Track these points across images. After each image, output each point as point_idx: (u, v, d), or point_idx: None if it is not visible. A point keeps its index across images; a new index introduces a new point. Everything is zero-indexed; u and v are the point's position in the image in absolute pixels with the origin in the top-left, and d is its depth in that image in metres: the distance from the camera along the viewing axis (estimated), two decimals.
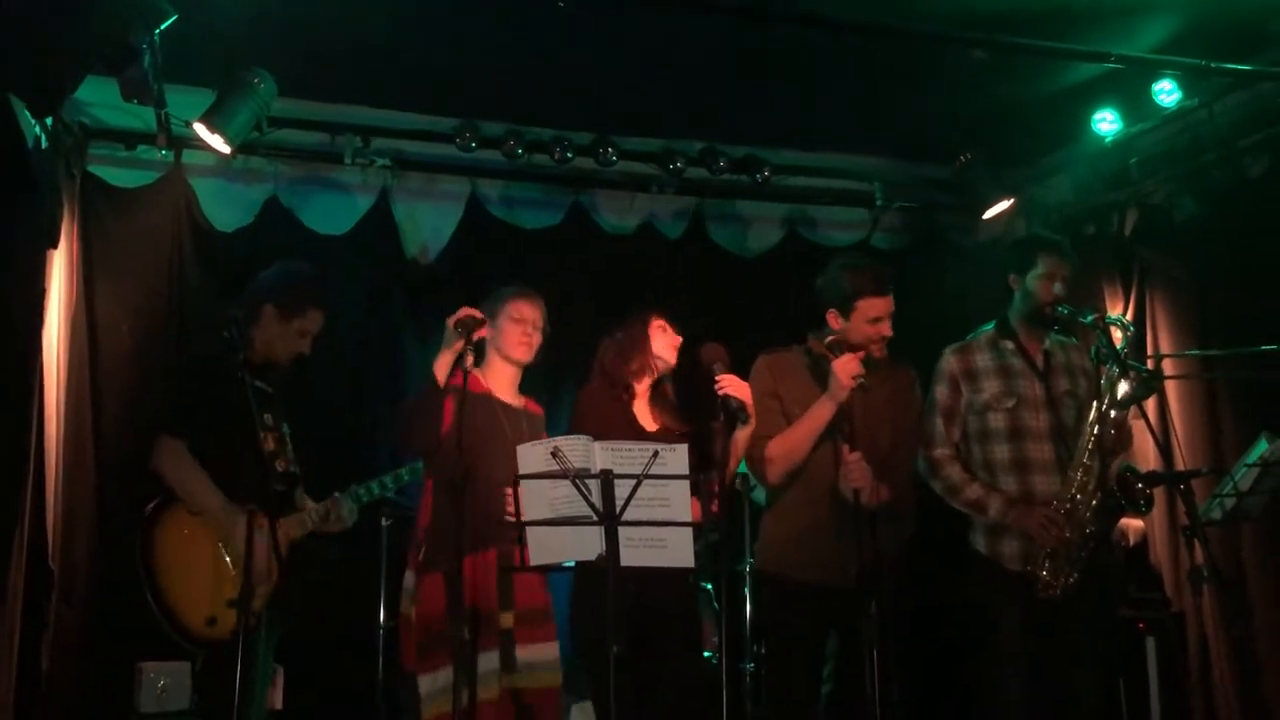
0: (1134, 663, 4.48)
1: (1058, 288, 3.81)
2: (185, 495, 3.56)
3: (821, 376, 3.69)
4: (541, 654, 3.59)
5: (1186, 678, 4.70)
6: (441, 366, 3.61)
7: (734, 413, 3.39)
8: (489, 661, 3.48)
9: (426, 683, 3.51)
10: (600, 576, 2.98)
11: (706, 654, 4.27)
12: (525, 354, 3.79)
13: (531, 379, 3.99)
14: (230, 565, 3.49)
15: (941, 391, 3.92)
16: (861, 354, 3.63)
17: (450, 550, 3.47)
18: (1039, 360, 3.87)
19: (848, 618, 3.47)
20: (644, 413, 3.73)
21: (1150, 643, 4.54)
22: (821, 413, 3.61)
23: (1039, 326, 3.88)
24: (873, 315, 3.70)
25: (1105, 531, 3.70)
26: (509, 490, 3.43)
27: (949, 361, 3.94)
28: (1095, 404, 3.67)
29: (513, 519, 3.35)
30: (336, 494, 3.83)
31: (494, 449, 3.57)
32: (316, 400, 4.93)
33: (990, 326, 3.99)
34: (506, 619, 3.54)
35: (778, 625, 3.77)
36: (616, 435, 3.46)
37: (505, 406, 3.75)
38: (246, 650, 3.27)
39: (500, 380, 3.82)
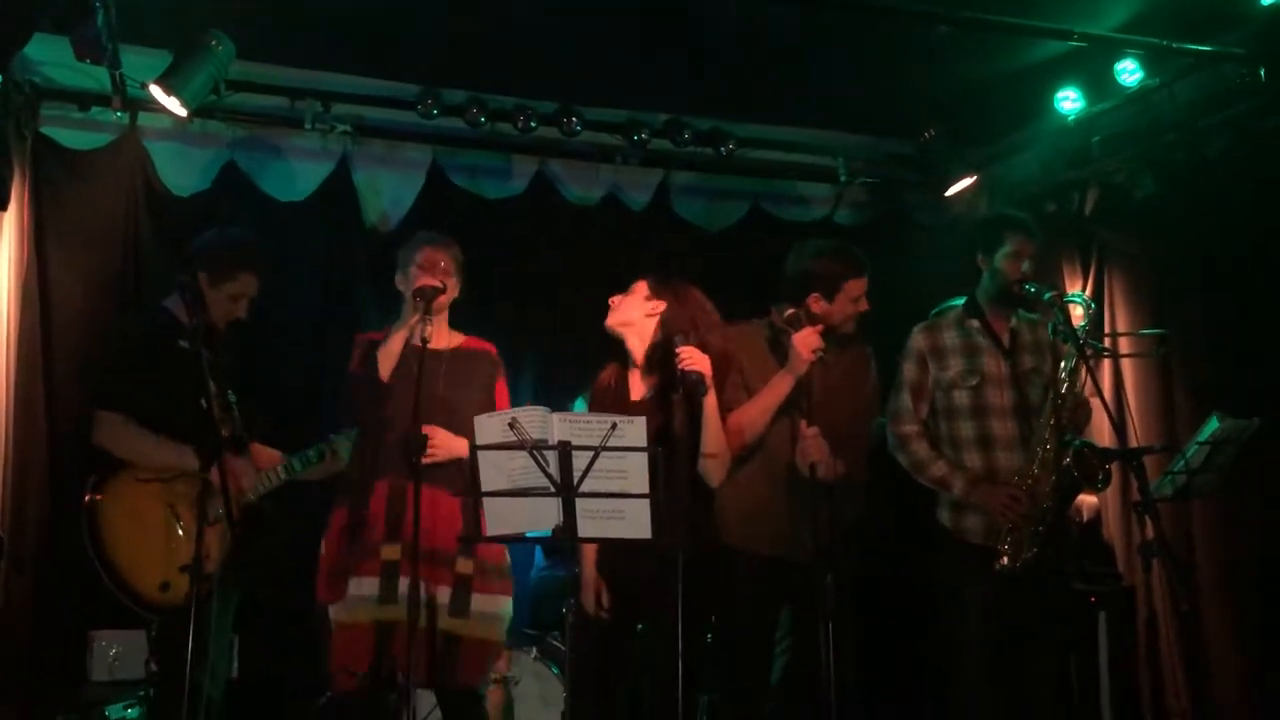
0: (1085, 636, 4.54)
1: (1025, 266, 3.85)
2: (134, 459, 3.53)
3: (781, 350, 3.71)
4: (491, 606, 3.61)
5: (1135, 651, 4.78)
6: (396, 338, 3.59)
7: (693, 386, 3.39)
8: (367, 587, 3.52)
9: (335, 610, 3.59)
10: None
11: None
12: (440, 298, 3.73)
13: (489, 337, 4.00)
14: (181, 531, 3.47)
15: (909, 369, 3.95)
16: (821, 328, 3.66)
17: (353, 482, 3.63)
18: (1005, 338, 3.91)
19: (803, 591, 3.50)
20: (636, 381, 3.68)
21: (1101, 617, 4.62)
22: (781, 386, 3.65)
23: (1006, 305, 3.92)
24: (856, 294, 3.83)
25: (1062, 508, 3.75)
26: (432, 436, 3.55)
27: (917, 339, 3.98)
28: (1055, 382, 3.71)
29: (432, 459, 3.49)
30: (331, 435, 3.80)
31: (399, 393, 3.59)
32: (274, 366, 4.90)
33: (959, 302, 4.02)
34: (391, 550, 3.55)
35: (732, 598, 3.77)
36: (608, 401, 3.55)
37: (427, 352, 3.61)
38: (199, 612, 3.25)
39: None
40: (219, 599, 3.53)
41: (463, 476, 3.52)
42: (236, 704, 4.30)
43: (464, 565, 3.60)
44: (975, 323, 3.92)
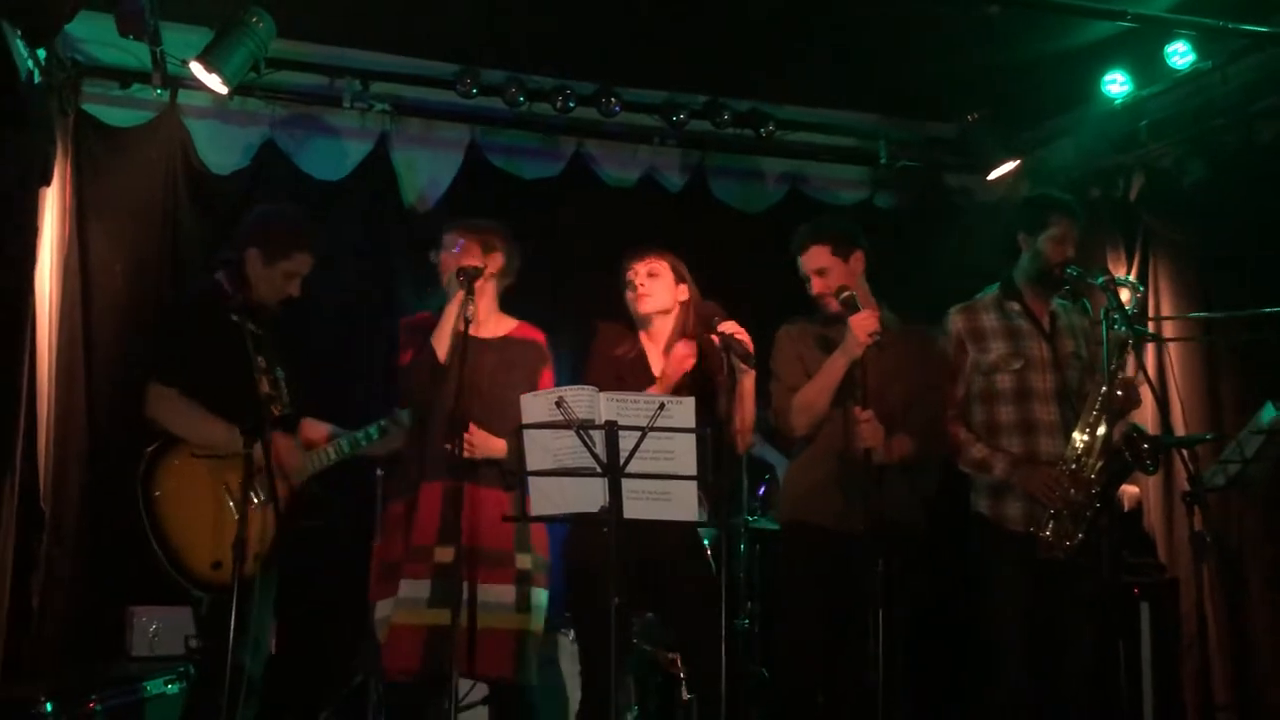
0: (1128, 627, 4.48)
1: (1068, 249, 3.78)
2: (187, 434, 3.50)
3: (829, 345, 3.68)
4: (494, 595, 3.54)
5: (1179, 643, 4.71)
6: (446, 320, 3.53)
7: (741, 355, 3.35)
8: (500, 595, 3.48)
9: (380, 608, 3.55)
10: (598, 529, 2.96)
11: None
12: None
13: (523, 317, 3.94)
14: (233, 508, 3.43)
15: (947, 351, 3.88)
16: (877, 312, 3.59)
17: (409, 480, 3.55)
18: (1045, 321, 3.85)
19: (855, 570, 3.48)
20: (656, 358, 3.65)
21: (1145, 608, 4.55)
22: (837, 366, 3.61)
23: (1046, 287, 3.85)
24: (814, 266, 3.72)
25: (1110, 492, 3.69)
26: (469, 432, 3.49)
27: (954, 321, 3.91)
28: (1105, 365, 3.64)
29: (468, 456, 3.44)
30: (396, 410, 3.74)
31: (448, 386, 3.53)
32: (312, 346, 4.89)
33: (995, 288, 3.95)
34: (445, 553, 3.47)
35: (794, 570, 3.73)
36: (625, 372, 3.50)
37: (471, 340, 3.57)
38: (244, 592, 3.25)
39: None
40: (263, 578, 3.50)
41: (504, 475, 3.49)
42: (272, 681, 4.34)
43: (523, 561, 3.54)
44: (1015, 305, 3.85)
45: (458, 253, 3.66)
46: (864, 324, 3.50)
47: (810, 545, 3.64)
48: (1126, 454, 3.57)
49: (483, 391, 3.57)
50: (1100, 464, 3.60)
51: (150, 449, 3.50)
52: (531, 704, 3.64)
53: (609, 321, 3.74)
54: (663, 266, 3.67)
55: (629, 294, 3.69)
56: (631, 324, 3.72)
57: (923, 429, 3.67)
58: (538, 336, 3.80)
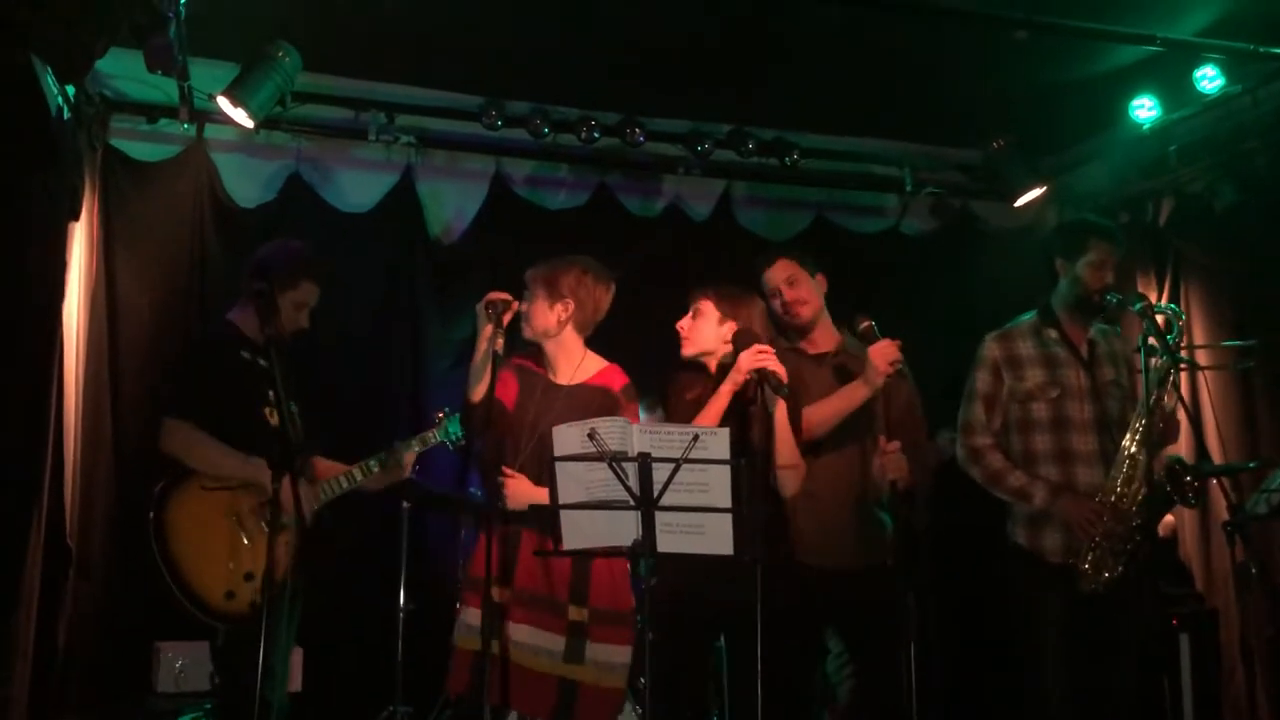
0: (1169, 659, 4.40)
1: (1108, 276, 3.72)
2: (204, 466, 3.50)
3: (845, 375, 3.67)
4: (540, 640, 3.45)
5: (1219, 675, 4.62)
6: (476, 355, 3.47)
7: (774, 385, 3.31)
8: (546, 641, 3.40)
9: (463, 615, 3.47)
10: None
11: None
12: (525, 330, 3.59)
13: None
14: (245, 538, 3.45)
15: (983, 378, 3.82)
16: (899, 341, 3.55)
17: (487, 521, 3.49)
18: (1083, 349, 3.78)
19: (854, 604, 3.48)
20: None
21: (1184, 639, 4.46)
22: (855, 394, 3.58)
23: (1085, 314, 3.78)
24: (782, 276, 3.82)
25: (1152, 525, 3.62)
26: (504, 475, 3.42)
27: (990, 348, 3.85)
28: (1145, 394, 3.58)
29: (509, 506, 3.37)
30: (395, 443, 3.78)
31: (519, 429, 3.49)
32: (337, 378, 4.89)
33: (1030, 315, 3.89)
34: (502, 594, 3.40)
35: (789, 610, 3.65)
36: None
37: (549, 385, 3.55)
38: (267, 622, 3.22)
39: (544, 358, 3.63)
40: (286, 608, 3.50)
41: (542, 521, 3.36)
42: (300, 716, 4.30)
43: (576, 613, 3.42)
44: (1053, 333, 3.79)
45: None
46: (885, 353, 3.47)
47: (798, 585, 3.52)
48: (1168, 487, 3.50)
49: (529, 431, 3.48)
50: (1141, 495, 3.53)
51: (159, 485, 3.49)
52: None
53: (686, 371, 3.67)
54: (706, 307, 3.61)
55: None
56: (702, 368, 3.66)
57: (911, 454, 3.59)
58: (613, 383, 3.58)
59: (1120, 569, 3.56)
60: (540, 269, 3.61)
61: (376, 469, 3.74)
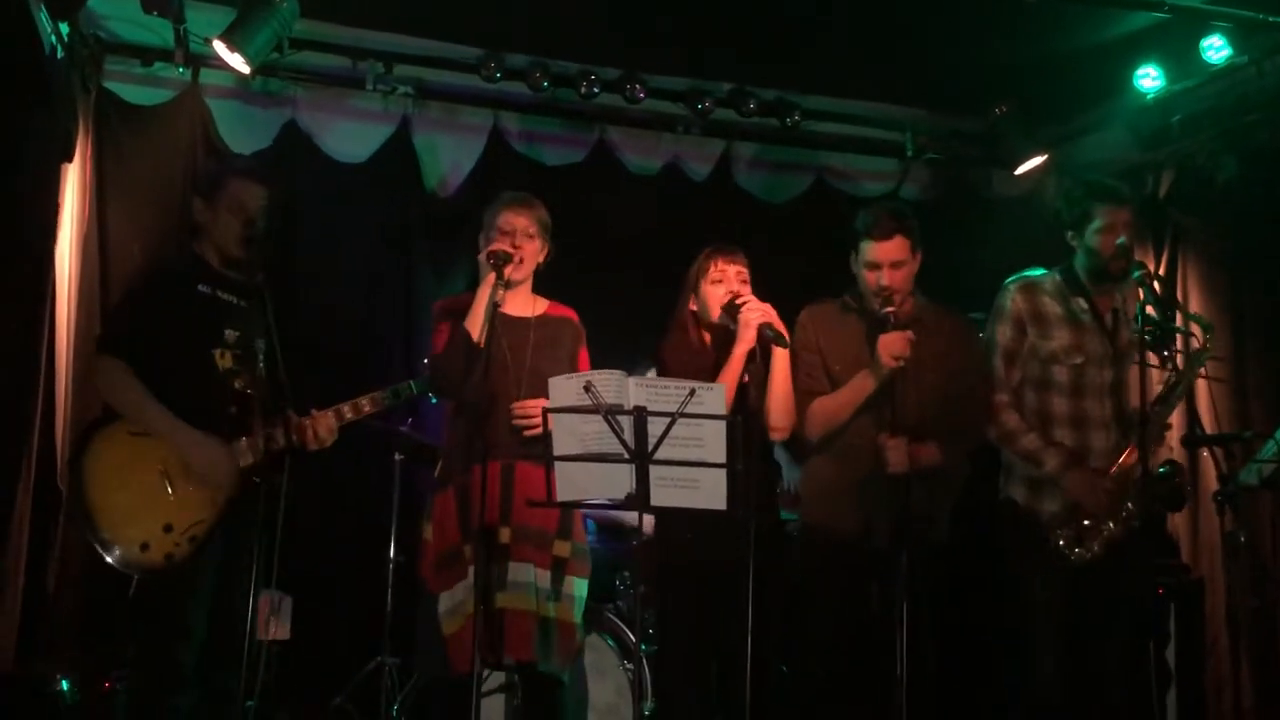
0: (1156, 629, 4.42)
1: (1121, 239, 3.59)
2: (126, 412, 3.32)
3: (858, 327, 3.61)
4: (528, 575, 3.45)
5: (1204, 644, 4.65)
6: (479, 303, 3.44)
7: (775, 338, 3.31)
8: (529, 574, 3.41)
9: (445, 600, 3.44)
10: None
11: None
12: (516, 271, 3.54)
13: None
14: (170, 489, 3.28)
15: (1004, 332, 3.69)
16: (910, 334, 3.45)
17: (459, 465, 3.45)
18: (1108, 318, 3.69)
19: (879, 578, 3.44)
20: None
21: (1170, 609, 4.49)
22: (863, 385, 3.52)
23: (1107, 282, 3.66)
24: (869, 259, 3.56)
25: (1142, 521, 3.56)
26: (520, 407, 3.42)
27: (1015, 300, 3.70)
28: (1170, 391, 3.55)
29: (534, 431, 3.34)
30: (411, 381, 3.68)
31: (494, 365, 3.46)
32: (331, 329, 4.87)
33: (1055, 272, 3.75)
34: (505, 533, 3.42)
35: (814, 577, 3.65)
36: (698, 377, 3.31)
37: (505, 320, 3.52)
38: (176, 576, 3.22)
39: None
40: (208, 564, 3.33)
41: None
42: (289, 665, 4.32)
43: (561, 548, 3.45)
44: (1083, 301, 3.67)
45: (517, 238, 3.57)
46: (890, 345, 3.40)
47: (828, 555, 3.56)
48: (1159, 496, 3.47)
49: (529, 371, 3.50)
50: (1140, 483, 3.49)
51: (86, 426, 3.37)
52: (559, 700, 3.54)
53: (678, 331, 3.69)
54: (748, 274, 3.61)
55: (709, 288, 3.62)
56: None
57: (952, 431, 3.55)
58: (570, 314, 3.73)
59: (1097, 550, 3.53)
60: (534, 206, 3.63)
61: (402, 397, 3.65)
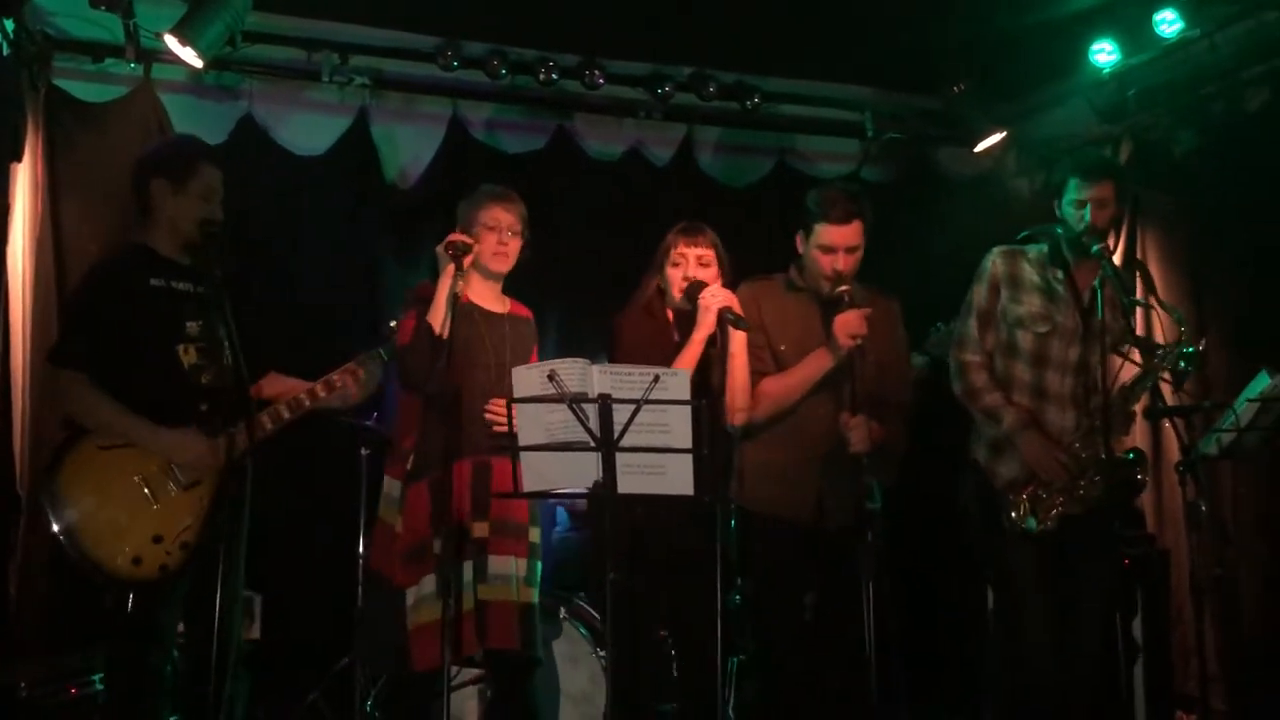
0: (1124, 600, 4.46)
1: (1092, 212, 3.56)
2: (94, 427, 3.21)
3: (806, 305, 3.61)
4: (510, 568, 3.48)
5: (1169, 614, 4.71)
6: (440, 294, 3.42)
7: (735, 321, 3.34)
8: (466, 571, 3.41)
9: (412, 594, 3.43)
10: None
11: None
12: (502, 264, 3.61)
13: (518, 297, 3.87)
14: (153, 499, 3.21)
15: (980, 293, 3.71)
16: (867, 311, 3.47)
17: (437, 460, 3.40)
18: (1086, 295, 3.67)
19: (828, 559, 3.46)
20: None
21: (1137, 579, 4.54)
22: (818, 363, 3.52)
23: (1082, 256, 3.64)
24: (824, 242, 3.54)
25: (1099, 497, 3.57)
26: (493, 405, 3.42)
27: (995, 264, 3.72)
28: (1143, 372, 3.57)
29: (502, 429, 3.34)
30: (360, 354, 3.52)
31: (473, 360, 3.48)
32: (289, 326, 4.82)
33: (1043, 247, 3.76)
34: (481, 528, 3.45)
35: (762, 561, 3.65)
36: (656, 356, 3.40)
37: (486, 315, 3.58)
38: (168, 588, 3.17)
39: (479, 288, 3.66)
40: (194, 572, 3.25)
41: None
42: (258, 664, 4.28)
43: (533, 534, 3.48)
44: (1059, 273, 3.67)
45: (503, 234, 3.58)
46: (848, 324, 3.41)
47: (777, 538, 3.55)
48: (1117, 481, 3.51)
49: (496, 365, 3.50)
50: (1099, 464, 3.51)
51: (55, 447, 3.25)
52: (531, 687, 3.58)
53: (633, 312, 3.70)
54: (711, 257, 3.62)
55: (670, 270, 3.63)
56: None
57: (889, 407, 3.55)
58: (529, 314, 3.81)
59: (1049, 525, 3.53)
60: (519, 204, 3.63)
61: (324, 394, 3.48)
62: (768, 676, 3.70)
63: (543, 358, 4.29)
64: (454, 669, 3.43)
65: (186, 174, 3.34)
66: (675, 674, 3.78)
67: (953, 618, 4.99)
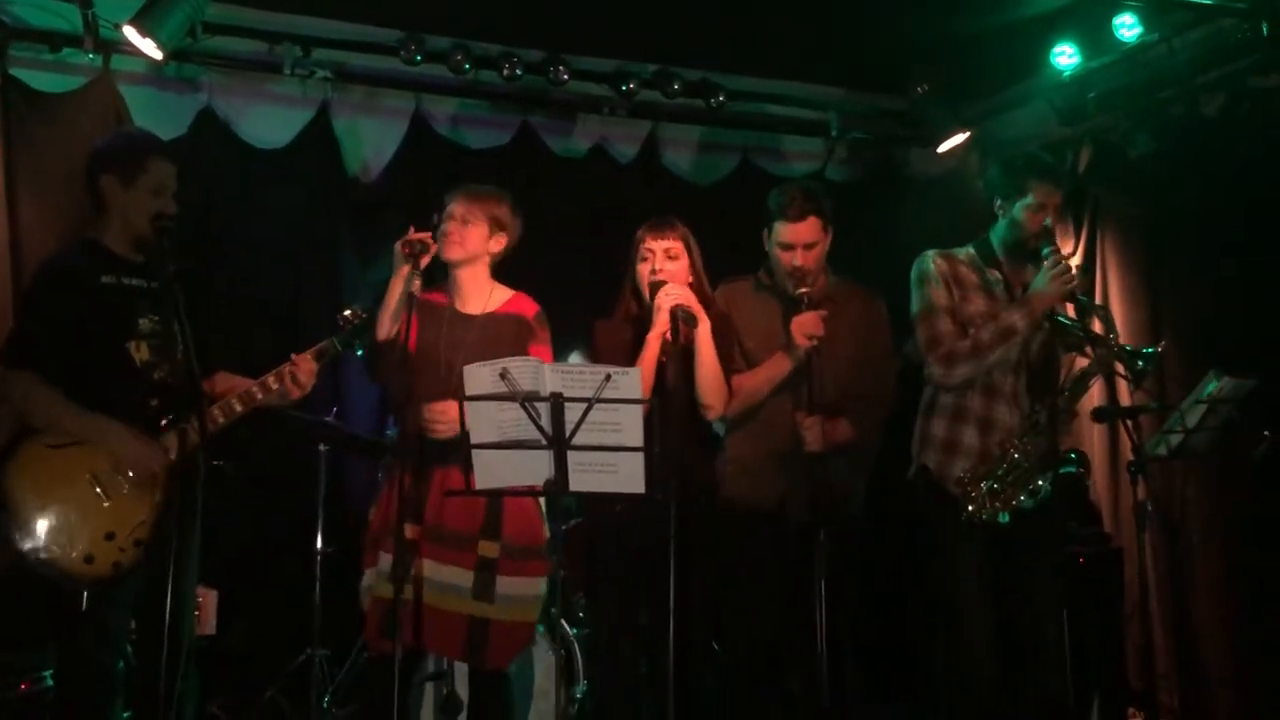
0: (1074, 598, 4.50)
1: (1047, 220, 3.60)
2: (43, 425, 3.18)
3: (771, 304, 3.63)
4: (520, 588, 3.45)
5: (1122, 612, 4.76)
6: (390, 296, 3.41)
7: (685, 318, 3.37)
8: (455, 576, 3.40)
9: (368, 576, 3.48)
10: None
11: None
12: (452, 252, 3.51)
13: None
14: (102, 494, 3.18)
15: (939, 292, 3.64)
16: (824, 312, 3.50)
17: (401, 460, 3.41)
18: (1018, 293, 3.67)
19: (790, 555, 3.48)
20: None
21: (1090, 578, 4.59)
22: (779, 366, 3.58)
23: (1024, 258, 3.66)
24: (782, 240, 3.59)
25: (1047, 491, 3.58)
26: (435, 408, 3.38)
27: (938, 263, 3.68)
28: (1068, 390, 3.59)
29: (442, 433, 3.32)
30: (293, 355, 3.48)
31: (425, 363, 3.45)
32: (252, 319, 4.80)
33: (969, 248, 3.77)
34: (490, 548, 3.41)
35: (732, 553, 3.68)
36: (629, 361, 3.40)
37: (457, 316, 3.53)
38: (119, 585, 3.16)
39: (461, 285, 3.59)
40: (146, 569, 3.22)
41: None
42: (214, 660, 4.26)
43: (488, 548, 3.41)
44: (996, 273, 3.68)
45: (453, 225, 3.53)
46: (804, 325, 3.45)
47: (748, 529, 3.60)
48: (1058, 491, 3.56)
49: (446, 368, 3.42)
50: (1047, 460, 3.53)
51: (6, 444, 3.20)
52: (507, 696, 3.57)
53: (613, 317, 3.71)
54: (680, 249, 3.62)
55: (640, 266, 3.63)
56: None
57: (866, 404, 3.60)
58: (525, 310, 3.60)
59: (999, 514, 3.53)
60: (485, 198, 3.58)
61: (275, 385, 3.45)
62: (723, 668, 3.73)
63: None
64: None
65: (136, 169, 3.31)
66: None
67: (931, 617, 5.02)
